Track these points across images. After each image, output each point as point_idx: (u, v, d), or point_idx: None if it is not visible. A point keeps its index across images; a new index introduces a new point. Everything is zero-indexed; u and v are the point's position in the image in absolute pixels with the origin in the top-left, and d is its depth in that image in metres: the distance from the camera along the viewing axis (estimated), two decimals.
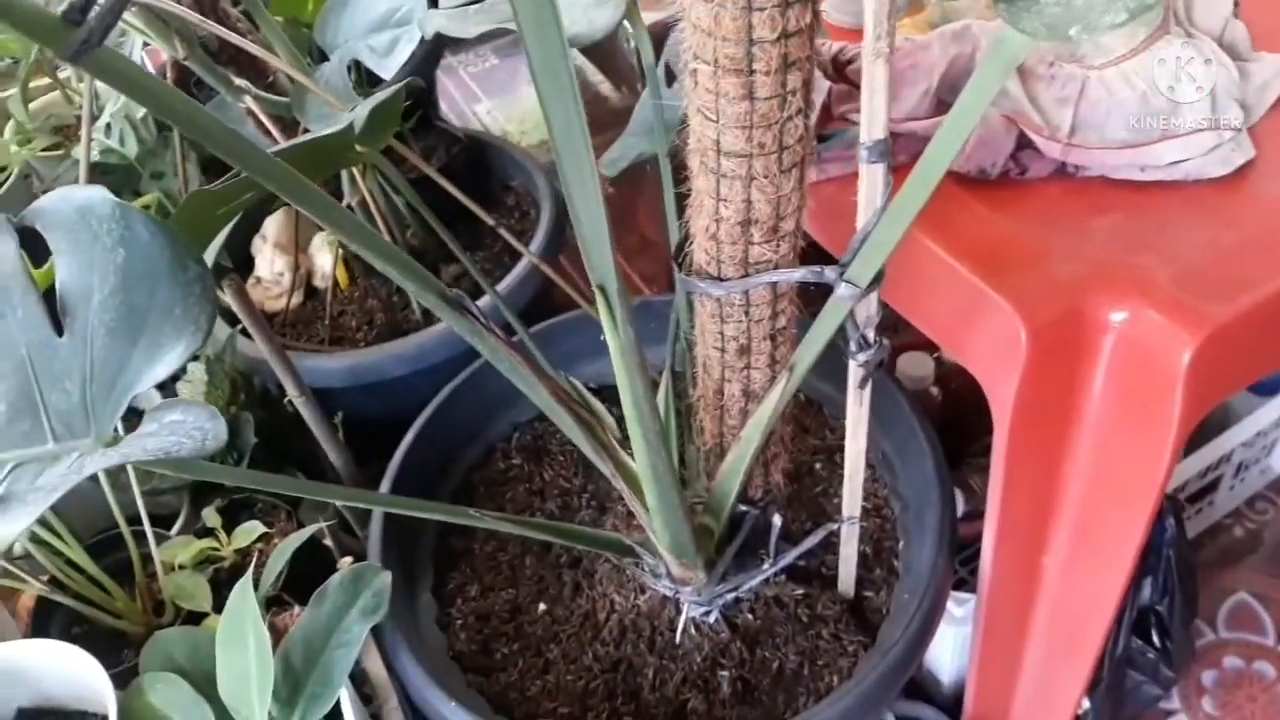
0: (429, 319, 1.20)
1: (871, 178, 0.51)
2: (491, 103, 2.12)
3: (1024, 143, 0.77)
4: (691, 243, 0.60)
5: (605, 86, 1.97)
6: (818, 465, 1.00)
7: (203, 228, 0.69)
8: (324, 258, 1.26)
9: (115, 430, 0.57)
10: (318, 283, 1.27)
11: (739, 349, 0.63)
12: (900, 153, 0.83)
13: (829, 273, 0.55)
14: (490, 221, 0.97)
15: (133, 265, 0.54)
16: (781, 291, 0.61)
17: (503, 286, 1.15)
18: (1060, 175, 0.79)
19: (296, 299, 1.25)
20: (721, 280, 0.58)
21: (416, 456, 0.98)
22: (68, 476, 0.46)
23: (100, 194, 0.56)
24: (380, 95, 0.75)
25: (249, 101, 0.95)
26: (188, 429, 0.52)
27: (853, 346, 0.60)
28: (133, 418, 0.56)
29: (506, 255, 1.26)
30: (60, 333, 0.57)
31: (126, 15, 0.82)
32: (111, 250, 0.55)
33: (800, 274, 0.56)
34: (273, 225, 1.27)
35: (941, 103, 0.78)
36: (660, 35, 0.80)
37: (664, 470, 0.63)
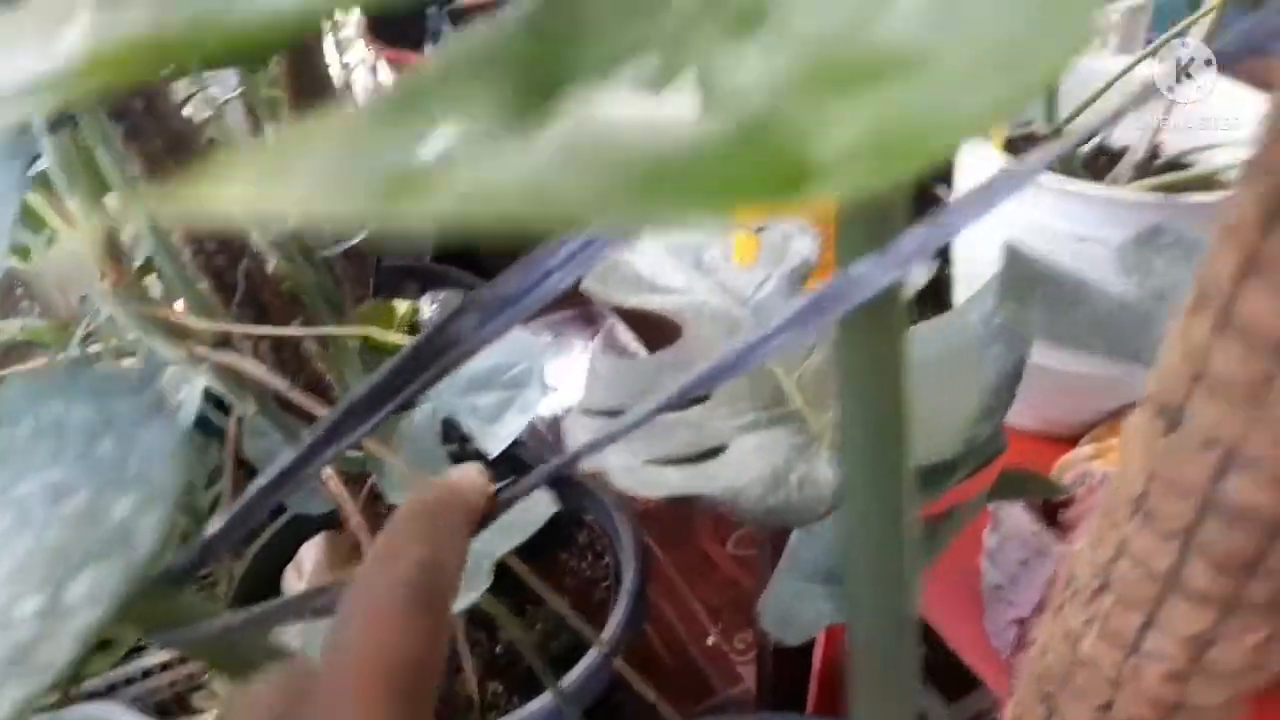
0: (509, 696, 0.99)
1: None
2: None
3: None
4: None
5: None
6: None
7: None
8: None
9: None
10: None
11: None
12: None
13: None
14: (567, 614, 0.80)
15: None
16: None
17: (569, 682, 0.93)
18: None
19: None
20: None
21: None
22: None
23: None
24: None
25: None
26: None
27: None
28: None
29: (567, 630, 1.05)
30: None
31: (199, 373, 0.66)
32: None
33: None
34: (311, 552, 1.06)
35: None
36: None
37: None
